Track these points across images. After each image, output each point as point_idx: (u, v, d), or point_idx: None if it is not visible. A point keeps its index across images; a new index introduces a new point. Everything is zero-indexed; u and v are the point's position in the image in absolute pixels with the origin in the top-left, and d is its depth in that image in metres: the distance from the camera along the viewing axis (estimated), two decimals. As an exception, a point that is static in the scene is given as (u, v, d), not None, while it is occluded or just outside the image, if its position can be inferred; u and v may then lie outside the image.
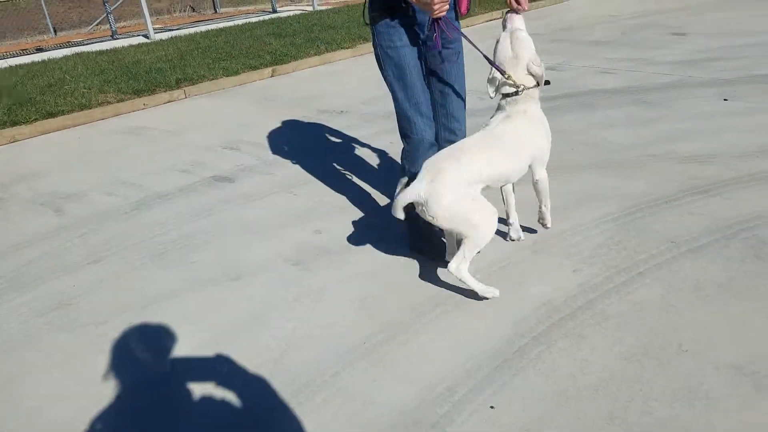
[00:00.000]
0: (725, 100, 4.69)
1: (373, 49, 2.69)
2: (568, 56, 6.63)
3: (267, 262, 3.02)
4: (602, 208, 3.17)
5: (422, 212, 2.38)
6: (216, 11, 15.38)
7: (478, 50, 2.61)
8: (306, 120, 5.29)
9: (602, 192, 3.36)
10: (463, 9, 2.64)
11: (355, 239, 3.14)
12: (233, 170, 4.27)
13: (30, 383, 2.31)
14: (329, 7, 13.00)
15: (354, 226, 3.28)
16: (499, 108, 2.62)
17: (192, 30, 10.49)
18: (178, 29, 11.06)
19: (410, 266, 2.85)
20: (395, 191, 2.74)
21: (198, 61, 7.59)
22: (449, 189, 2.32)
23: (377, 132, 4.75)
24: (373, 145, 4.49)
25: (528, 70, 2.52)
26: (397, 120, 2.73)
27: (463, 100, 2.80)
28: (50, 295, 2.91)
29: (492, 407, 1.97)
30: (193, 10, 16.50)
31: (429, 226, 2.55)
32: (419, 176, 2.38)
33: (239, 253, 3.14)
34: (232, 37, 9.14)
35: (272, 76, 7.25)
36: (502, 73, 2.52)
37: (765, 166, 3.46)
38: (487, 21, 9.58)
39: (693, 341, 2.18)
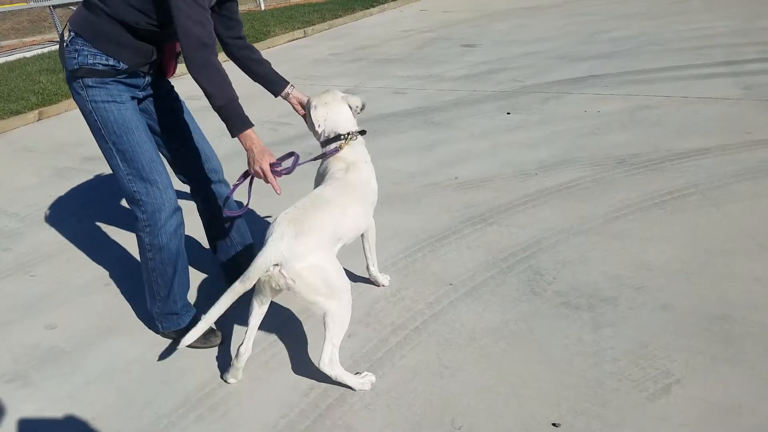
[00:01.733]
0: (508, 113, 4.74)
1: (76, 102, 2.20)
2: (364, 77, 6.49)
3: None
4: (381, 252, 2.91)
5: (276, 276, 1.91)
6: (-8, 45, 13.58)
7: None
8: (68, 172, 4.57)
9: (382, 232, 3.11)
10: (171, 72, 2.37)
11: (97, 332, 2.59)
12: (-42, 252, 3.48)
13: None
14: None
15: (98, 314, 2.73)
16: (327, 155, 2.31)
17: (-50, 70, 9.04)
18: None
19: (162, 362, 2.37)
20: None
21: (-56, 109, 6.42)
22: (317, 246, 1.92)
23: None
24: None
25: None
26: (126, 185, 2.23)
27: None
28: None
29: None
30: (-31, 44, 14.47)
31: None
32: (276, 233, 1.91)
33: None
34: (-6, 77, 7.95)
35: (39, 119, 6.32)
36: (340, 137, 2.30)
37: (542, 185, 3.44)
38: (288, 41, 9.28)
39: (466, 414, 1.94)
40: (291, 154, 2.29)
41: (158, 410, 2.11)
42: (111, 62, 2.11)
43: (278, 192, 2.05)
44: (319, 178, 2.32)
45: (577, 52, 6.31)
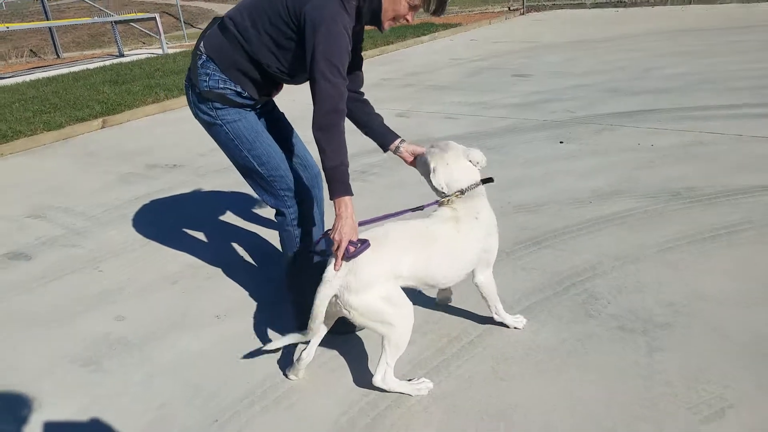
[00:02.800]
0: (561, 143, 4.80)
1: (202, 120, 2.34)
2: (415, 102, 6.64)
3: (50, 366, 2.51)
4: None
5: (334, 304, 2.03)
6: (58, 56, 14.28)
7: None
8: (132, 177, 4.79)
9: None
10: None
11: (164, 326, 2.72)
12: (32, 245, 3.68)
13: None
14: (181, 49, 12.46)
15: (165, 310, 2.86)
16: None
17: (21, 79, 9.57)
18: (10, 77, 10.08)
19: (225, 357, 2.48)
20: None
21: (17, 115, 6.79)
22: (373, 280, 2.00)
23: (212, 189, 4.36)
24: (205, 205, 4.09)
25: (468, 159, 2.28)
26: (271, 186, 2.35)
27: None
28: None
29: None
30: (35, 55, 15.22)
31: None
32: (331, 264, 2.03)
33: (17, 355, 2.61)
34: (62, 86, 8.38)
35: (102, 127, 6.63)
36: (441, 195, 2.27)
37: (596, 213, 3.48)
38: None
39: (521, 425, 1.99)
40: (365, 241, 2.07)
41: (224, 401, 2.21)
42: (238, 89, 2.24)
43: (336, 268, 2.02)
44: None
45: (629, 87, 6.35)
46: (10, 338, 2.73)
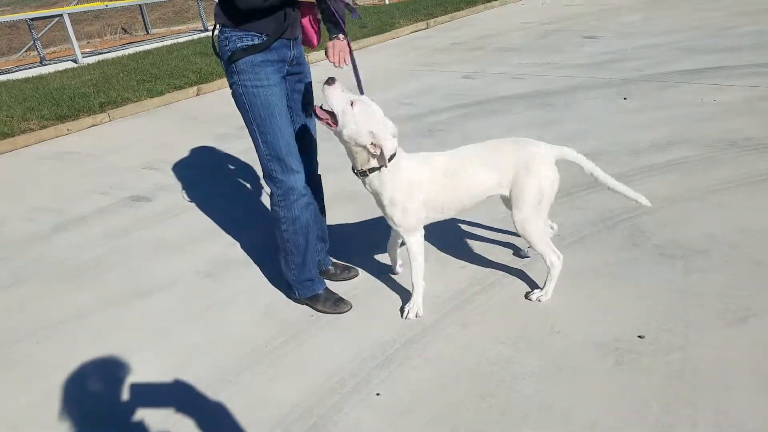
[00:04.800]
0: (624, 98, 5.00)
1: (230, 86, 2.46)
2: (483, 64, 6.91)
3: (180, 277, 3.10)
4: (499, 207, 3.34)
5: None
6: (147, 32, 15.22)
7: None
8: (228, 137, 5.36)
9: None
10: (314, 40, 2.57)
11: (263, 252, 3.24)
12: (151, 190, 4.32)
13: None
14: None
15: (265, 240, 3.39)
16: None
17: (120, 53, 10.41)
18: (108, 52, 10.96)
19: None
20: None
21: (123, 83, 7.55)
22: None
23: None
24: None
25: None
26: (265, 163, 2.53)
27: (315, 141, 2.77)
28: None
29: (378, 394, 2.12)
30: (126, 32, 16.30)
31: None
32: None
33: (152, 269, 3.21)
34: (158, 58, 9.11)
35: (197, 95, 7.28)
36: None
37: (653, 160, 3.72)
38: (411, 32, 9.84)
39: (564, 323, 2.37)
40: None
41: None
42: (256, 40, 2.34)
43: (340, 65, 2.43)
44: None
45: (702, 46, 6.37)
46: (145, 259, 3.35)
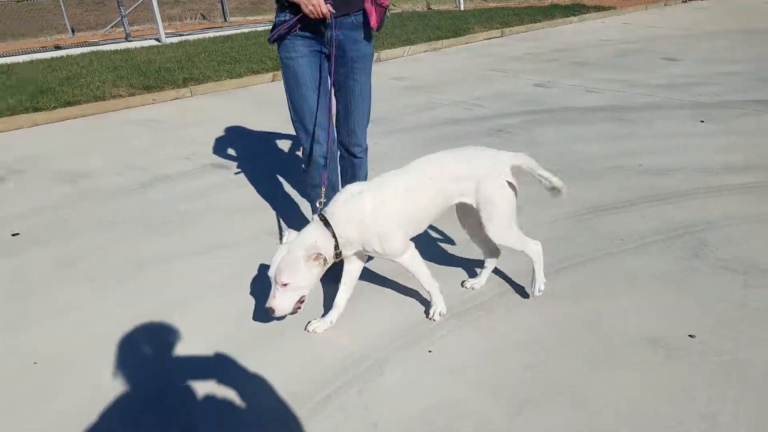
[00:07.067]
0: (702, 121, 4.95)
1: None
2: (557, 75, 6.92)
3: (252, 236, 3.37)
4: (559, 208, 3.39)
5: None
6: (225, 20, 15.75)
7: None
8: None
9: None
10: (374, 23, 2.58)
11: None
12: (231, 157, 4.65)
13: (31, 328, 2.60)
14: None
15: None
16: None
17: (201, 36, 10.87)
18: (188, 35, 11.43)
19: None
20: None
21: (204, 63, 7.92)
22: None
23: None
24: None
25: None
26: (295, 128, 2.74)
27: (367, 118, 2.80)
28: (60, 252, 3.30)
29: (430, 351, 2.32)
30: (204, 18, 16.94)
31: None
32: None
33: (228, 227, 3.50)
34: (237, 44, 9.49)
35: (273, 81, 7.56)
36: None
37: (725, 181, 3.70)
38: (486, 39, 9.90)
39: (617, 318, 2.45)
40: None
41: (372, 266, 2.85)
42: (283, 17, 2.52)
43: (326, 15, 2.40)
44: None
45: (785, 77, 6.22)
46: (216, 218, 3.63)
